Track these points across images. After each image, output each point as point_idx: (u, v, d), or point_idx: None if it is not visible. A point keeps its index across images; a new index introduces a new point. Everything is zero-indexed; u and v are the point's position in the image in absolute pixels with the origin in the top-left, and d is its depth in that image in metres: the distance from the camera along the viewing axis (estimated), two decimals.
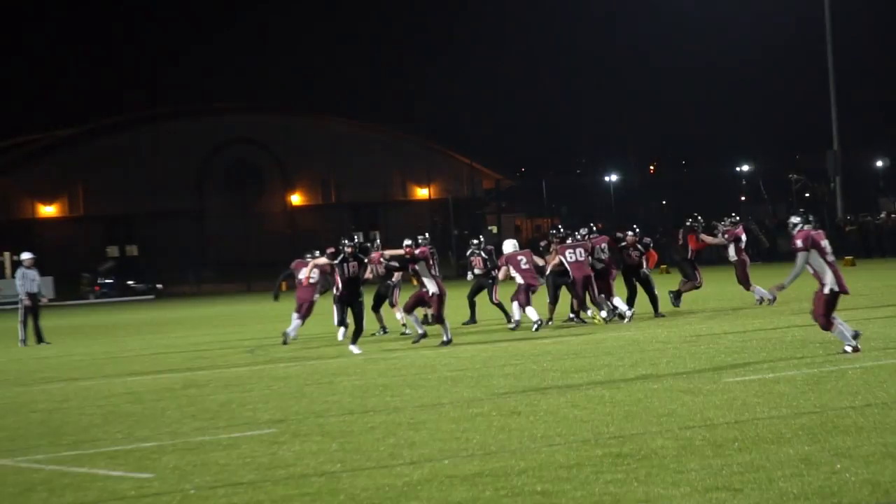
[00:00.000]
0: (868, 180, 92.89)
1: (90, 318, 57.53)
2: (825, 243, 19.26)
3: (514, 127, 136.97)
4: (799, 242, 19.25)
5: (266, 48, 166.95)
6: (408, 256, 26.76)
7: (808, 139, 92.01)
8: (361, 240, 31.61)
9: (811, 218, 19.96)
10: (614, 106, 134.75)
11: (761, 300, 30.83)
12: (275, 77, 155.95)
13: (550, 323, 29.07)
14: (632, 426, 13.32)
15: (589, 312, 29.44)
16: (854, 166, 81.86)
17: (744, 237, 31.84)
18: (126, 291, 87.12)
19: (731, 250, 31.60)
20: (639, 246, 30.11)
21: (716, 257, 33.13)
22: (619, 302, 29.30)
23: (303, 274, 28.32)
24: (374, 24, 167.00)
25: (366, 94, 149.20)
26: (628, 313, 28.80)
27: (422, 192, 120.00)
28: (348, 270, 24.64)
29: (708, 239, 31.66)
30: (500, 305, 30.67)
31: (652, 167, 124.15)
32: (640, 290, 30.15)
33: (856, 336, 19.07)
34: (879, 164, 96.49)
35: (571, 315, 29.63)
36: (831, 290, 18.94)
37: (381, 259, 28.23)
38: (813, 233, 19.44)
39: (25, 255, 35.18)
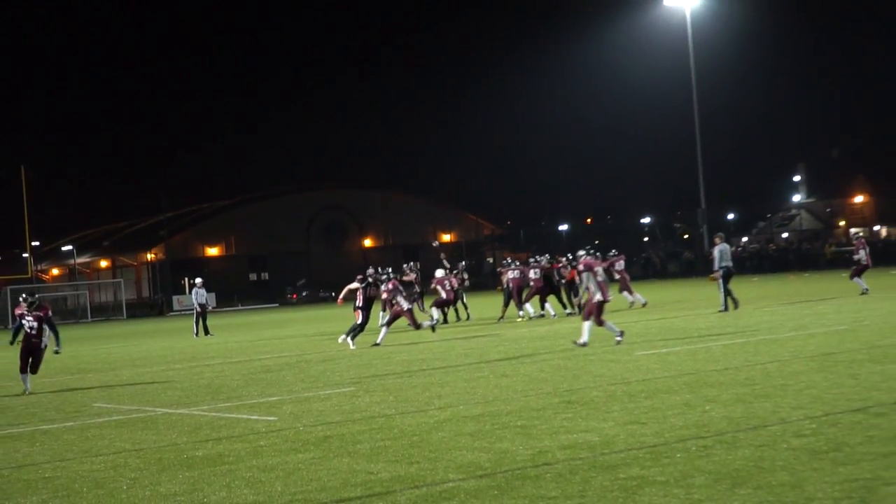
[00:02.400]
0: (725, 225, 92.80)
1: (238, 318, 57.49)
2: (598, 268, 18.46)
3: (503, 194, 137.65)
4: (581, 266, 18.86)
5: (347, 147, 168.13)
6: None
7: (685, 200, 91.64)
8: (412, 269, 30.67)
9: (591, 251, 19.57)
10: (564, 181, 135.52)
11: (633, 303, 31.19)
12: (353, 165, 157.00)
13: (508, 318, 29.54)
14: (577, 383, 13.23)
15: (520, 313, 29.42)
16: (715, 217, 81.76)
17: (618, 265, 31.20)
18: (316, 299, 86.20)
19: (614, 272, 30.58)
20: (563, 270, 30.20)
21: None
22: (549, 307, 29.47)
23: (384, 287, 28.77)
24: (418, 134, 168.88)
25: (411, 175, 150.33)
26: (552, 313, 28.97)
27: (445, 237, 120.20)
28: (368, 291, 24.01)
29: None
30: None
31: (589, 220, 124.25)
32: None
33: (621, 333, 18.31)
34: (731, 216, 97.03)
35: (521, 314, 29.43)
36: (598, 300, 18.16)
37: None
38: (590, 260, 18.97)
39: (197, 280, 35.25)
